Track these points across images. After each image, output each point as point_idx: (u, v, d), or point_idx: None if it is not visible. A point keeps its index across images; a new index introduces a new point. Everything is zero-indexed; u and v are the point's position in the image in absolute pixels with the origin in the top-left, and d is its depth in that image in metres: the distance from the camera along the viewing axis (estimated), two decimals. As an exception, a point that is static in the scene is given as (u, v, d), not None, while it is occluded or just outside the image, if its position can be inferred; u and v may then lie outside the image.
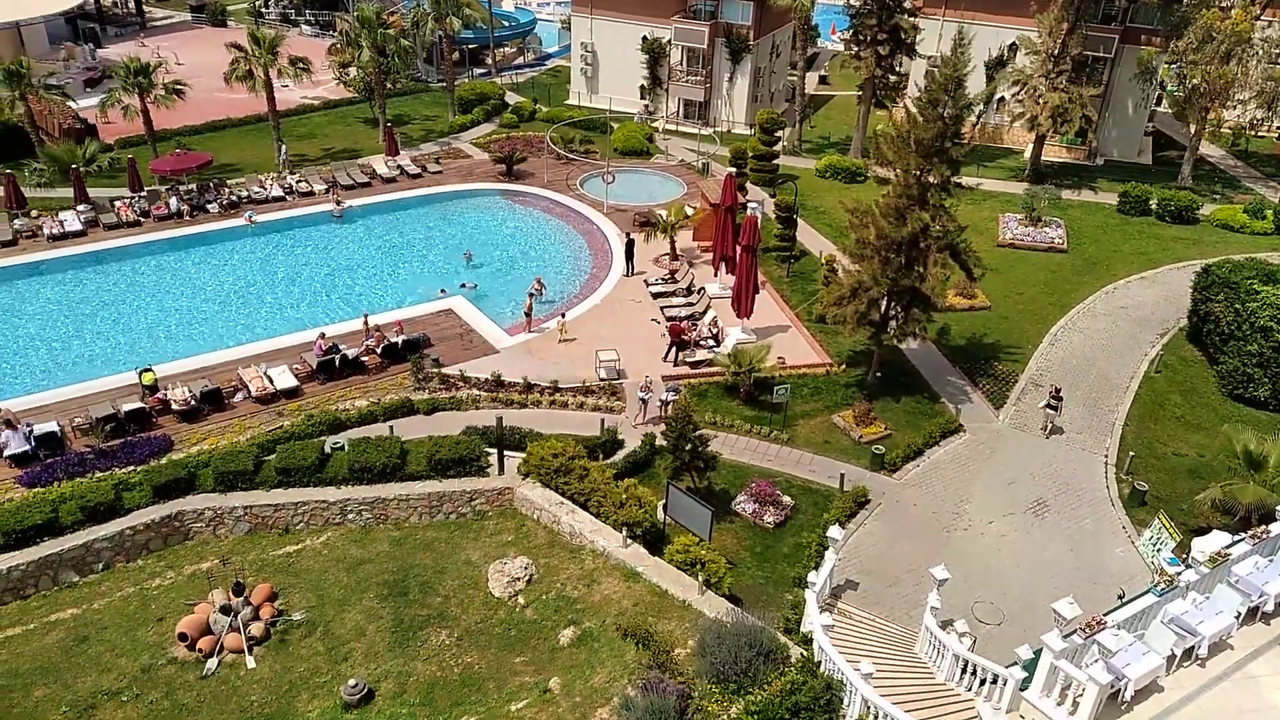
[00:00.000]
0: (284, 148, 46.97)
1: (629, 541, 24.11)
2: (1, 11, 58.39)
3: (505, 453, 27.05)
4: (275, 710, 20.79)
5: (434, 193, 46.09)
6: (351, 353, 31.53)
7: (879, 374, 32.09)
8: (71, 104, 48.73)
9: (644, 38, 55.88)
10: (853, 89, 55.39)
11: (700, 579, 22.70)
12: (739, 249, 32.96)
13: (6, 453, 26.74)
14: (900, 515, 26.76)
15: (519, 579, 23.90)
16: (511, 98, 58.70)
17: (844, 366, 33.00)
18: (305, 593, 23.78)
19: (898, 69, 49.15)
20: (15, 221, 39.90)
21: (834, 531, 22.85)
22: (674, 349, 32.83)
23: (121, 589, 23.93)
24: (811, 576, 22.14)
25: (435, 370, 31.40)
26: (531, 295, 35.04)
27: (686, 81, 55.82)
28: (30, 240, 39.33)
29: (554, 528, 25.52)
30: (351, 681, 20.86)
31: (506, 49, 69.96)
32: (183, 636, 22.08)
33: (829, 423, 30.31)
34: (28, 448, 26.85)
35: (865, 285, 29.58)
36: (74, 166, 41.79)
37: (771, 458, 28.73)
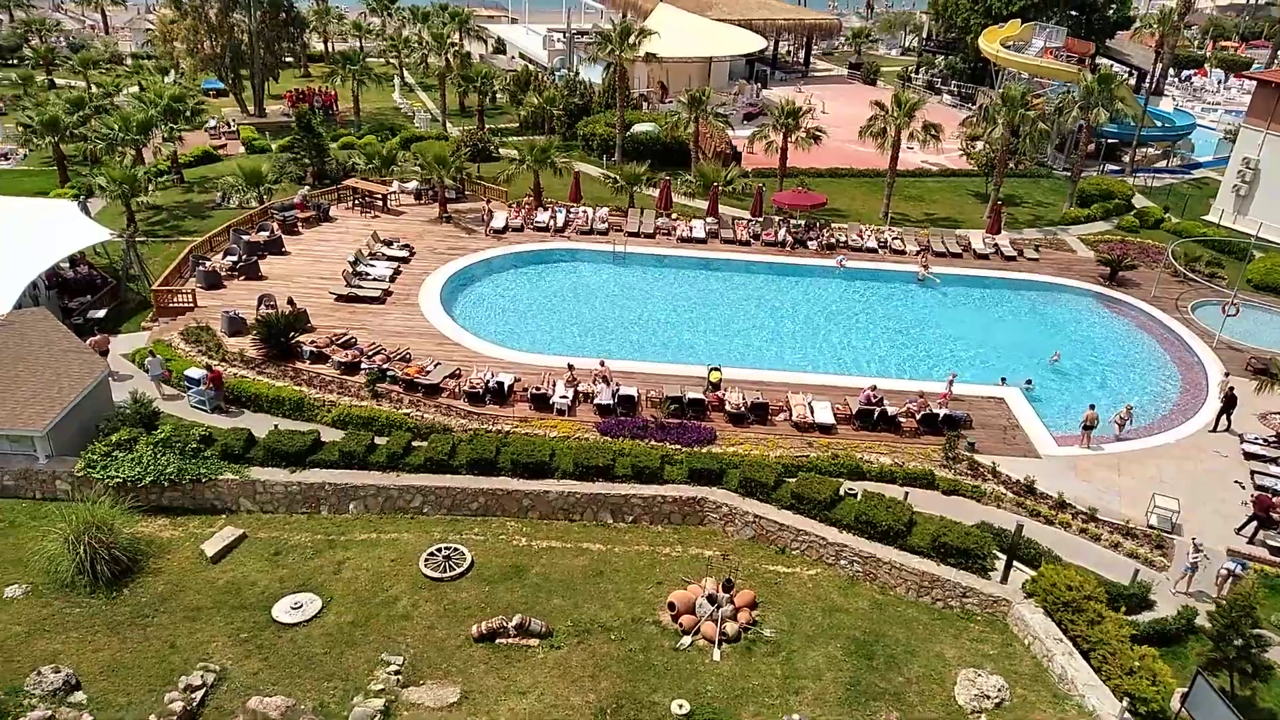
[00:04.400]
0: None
1: (1127, 716, 21.02)
2: (703, 48, 69.92)
3: (1015, 563, 25.35)
4: (721, 708, 22.06)
5: (1023, 278, 44.57)
6: (892, 410, 31.98)
7: None
8: (729, 132, 56.49)
9: (1331, 164, 47.52)
10: None
11: (1205, 797, 18.98)
12: (1388, 436, 26.54)
13: (596, 401, 32.11)
14: None
15: (989, 698, 22.23)
16: (1139, 201, 54.08)
17: None
18: (781, 615, 24.86)
19: None
20: (659, 219, 47.58)
21: None
22: (1255, 524, 27.60)
23: (639, 545, 27.37)
24: None
25: (968, 454, 30.46)
26: (1120, 422, 32.37)
27: (1375, 223, 46.20)
28: (664, 237, 46.60)
29: (1043, 662, 23.24)
30: (795, 717, 21.34)
31: (1150, 149, 64.52)
32: (671, 606, 24.51)
33: None
34: (611, 403, 31.93)
35: None
36: (715, 184, 48.45)
37: (1352, 700, 22.77)
